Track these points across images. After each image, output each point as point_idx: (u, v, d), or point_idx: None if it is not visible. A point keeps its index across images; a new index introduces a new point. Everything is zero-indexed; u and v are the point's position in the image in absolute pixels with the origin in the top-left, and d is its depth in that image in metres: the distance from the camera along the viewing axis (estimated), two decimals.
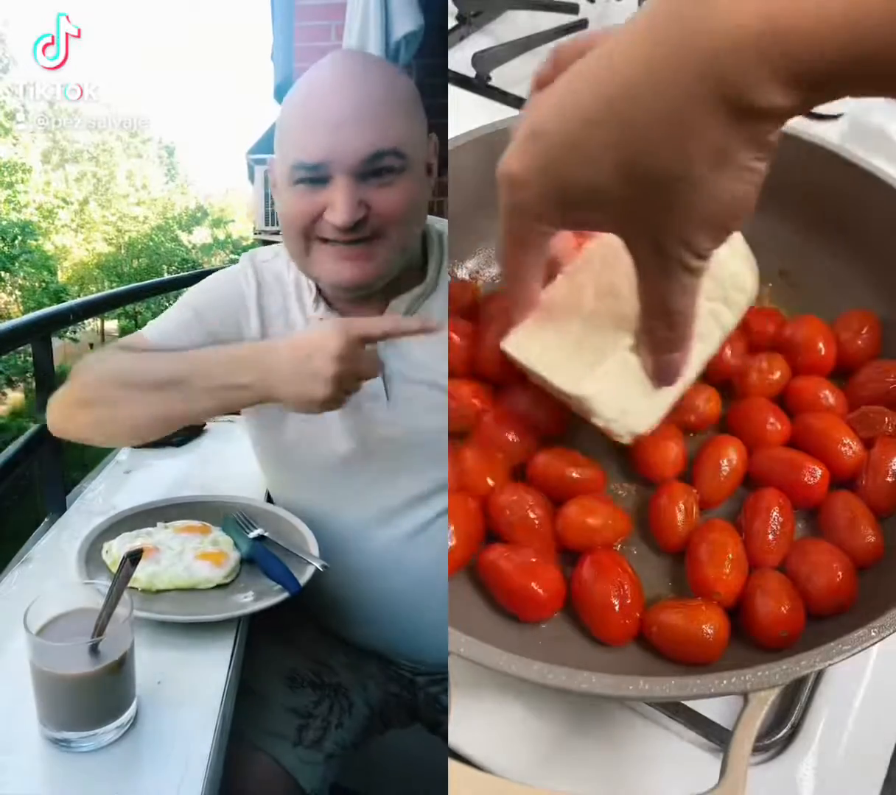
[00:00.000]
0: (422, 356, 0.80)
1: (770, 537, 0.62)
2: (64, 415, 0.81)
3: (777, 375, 0.71)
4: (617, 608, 0.59)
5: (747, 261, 0.68)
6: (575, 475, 0.65)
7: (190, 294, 0.88)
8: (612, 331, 0.62)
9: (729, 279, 0.66)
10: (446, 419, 0.69)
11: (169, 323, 0.85)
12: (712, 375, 0.70)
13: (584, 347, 0.62)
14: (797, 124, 0.52)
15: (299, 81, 0.76)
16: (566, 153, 0.46)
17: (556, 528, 0.63)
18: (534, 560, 0.61)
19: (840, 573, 0.60)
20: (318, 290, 0.82)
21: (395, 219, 0.74)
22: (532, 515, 0.63)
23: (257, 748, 0.77)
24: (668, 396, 0.64)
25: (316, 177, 0.73)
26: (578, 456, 0.67)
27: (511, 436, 0.67)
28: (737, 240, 0.68)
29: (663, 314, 0.54)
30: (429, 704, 0.92)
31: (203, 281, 0.89)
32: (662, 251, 0.48)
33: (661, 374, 0.60)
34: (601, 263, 0.66)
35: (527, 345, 0.64)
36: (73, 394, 0.79)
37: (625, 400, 0.62)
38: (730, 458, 0.67)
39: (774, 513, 0.63)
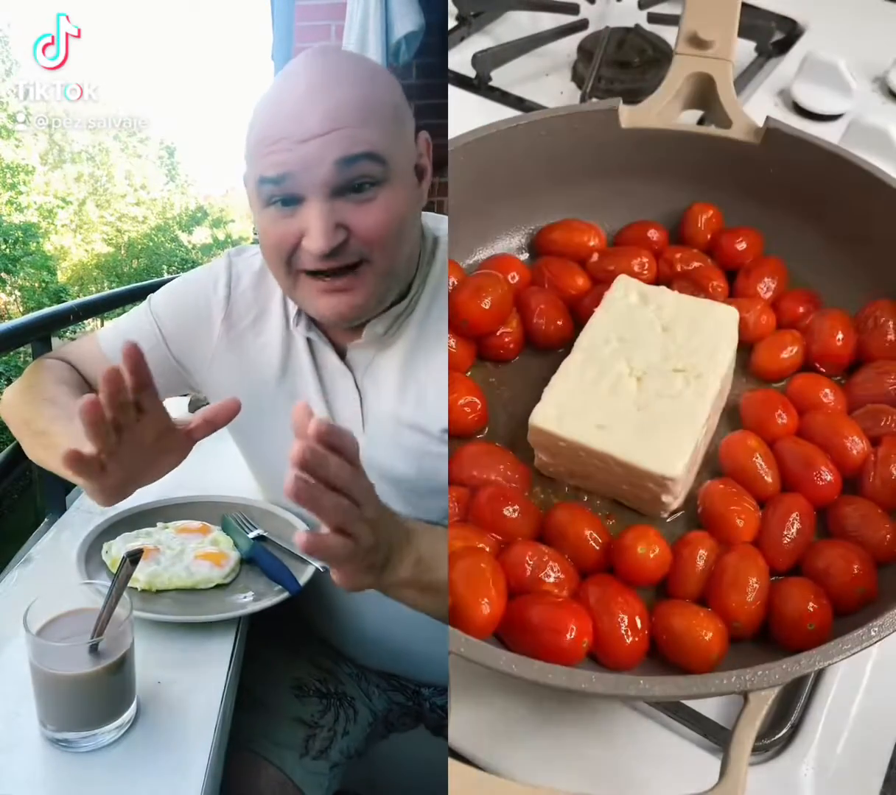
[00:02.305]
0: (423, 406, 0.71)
1: (786, 541, 0.62)
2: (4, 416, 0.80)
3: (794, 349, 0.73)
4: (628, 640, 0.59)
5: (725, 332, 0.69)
6: None
7: (157, 297, 0.82)
8: (686, 412, 0.64)
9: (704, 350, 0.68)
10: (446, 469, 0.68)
11: (127, 328, 0.82)
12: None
13: (654, 426, 0.63)
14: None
15: (271, 85, 0.67)
16: None
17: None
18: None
19: (857, 566, 0.60)
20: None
21: (380, 242, 0.64)
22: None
23: (265, 760, 0.76)
24: (695, 466, 0.67)
25: (285, 194, 0.64)
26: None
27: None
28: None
29: None
30: (433, 711, 0.91)
31: (173, 282, 0.83)
32: None
33: None
34: (619, 342, 0.67)
35: (573, 423, 0.63)
36: (8, 402, 0.78)
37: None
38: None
39: (793, 517, 0.63)
